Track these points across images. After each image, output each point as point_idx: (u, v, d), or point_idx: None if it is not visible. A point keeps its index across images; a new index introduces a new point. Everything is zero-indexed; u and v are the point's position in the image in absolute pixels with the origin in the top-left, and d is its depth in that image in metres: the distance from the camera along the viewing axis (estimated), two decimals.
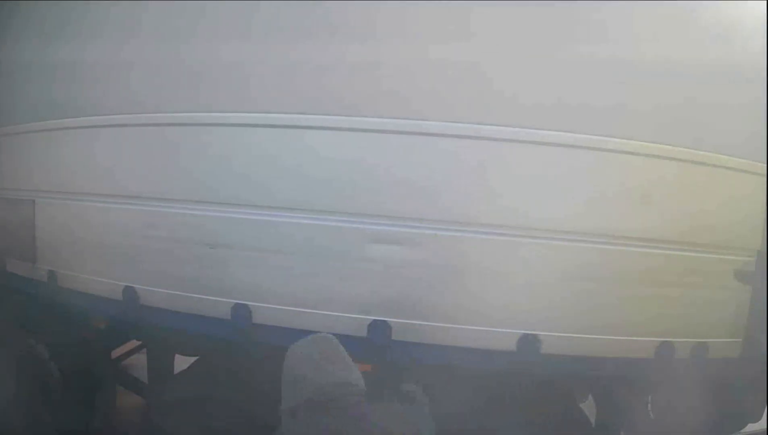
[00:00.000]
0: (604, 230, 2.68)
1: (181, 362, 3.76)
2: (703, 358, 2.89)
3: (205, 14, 2.82)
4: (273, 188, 2.78)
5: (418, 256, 2.68)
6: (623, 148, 2.64)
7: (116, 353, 4.07)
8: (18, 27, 3.48)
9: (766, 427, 3.33)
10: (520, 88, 2.61)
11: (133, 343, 4.24)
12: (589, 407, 3.47)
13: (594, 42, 2.61)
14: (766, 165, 2.79)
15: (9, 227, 3.62)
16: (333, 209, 2.73)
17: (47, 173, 3.39)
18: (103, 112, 3.07)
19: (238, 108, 2.81)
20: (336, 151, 2.72)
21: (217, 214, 2.86)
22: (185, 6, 2.87)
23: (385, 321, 2.72)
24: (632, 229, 2.70)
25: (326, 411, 1.73)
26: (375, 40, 2.66)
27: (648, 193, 2.70)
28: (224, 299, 2.87)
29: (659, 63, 2.61)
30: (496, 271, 2.69)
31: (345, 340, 2.72)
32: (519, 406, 2.87)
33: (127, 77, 3.00)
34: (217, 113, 2.83)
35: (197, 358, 3.63)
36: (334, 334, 2.70)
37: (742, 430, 3.42)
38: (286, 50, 2.70)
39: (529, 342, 2.70)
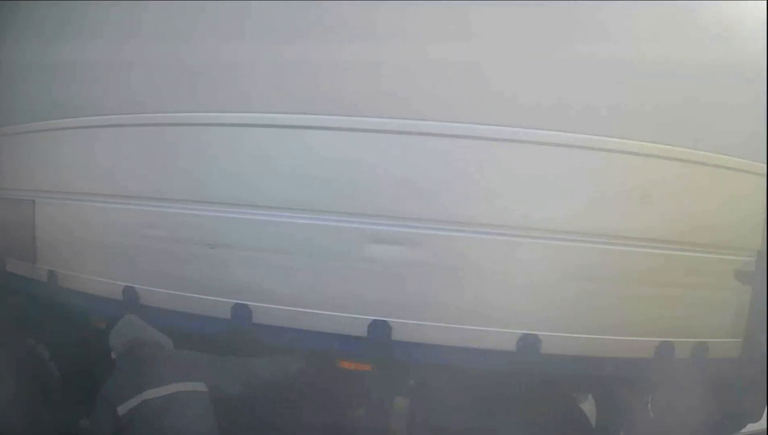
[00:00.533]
0: (604, 230, 2.68)
1: None
2: (703, 358, 2.89)
3: (205, 14, 2.82)
4: (273, 188, 2.78)
5: (418, 256, 2.68)
6: (623, 148, 2.64)
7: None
8: (18, 27, 3.48)
9: (766, 427, 3.32)
10: (520, 88, 2.61)
11: None
12: (589, 407, 3.46)
13: (594, 42, 2.61)
14: (766, 165, 2.79)
15: (9, 227, 3.62)
16: (333, 209, 2.73)
17: (47, 173, 3.39)
18: (103, 112, 3.07)
19: (237, 108, 2.81)
20: (336, 151, 2.72)
21: (217, 214, 2.87)
22: (185, 6, 2.87)
23: (385, 321, 2.72)
24: (632, 229, 2.70)
25: (138, 353, 2.70)
26: (375, 40, 2.66)
27: (648, 193, 2.70)
28: (224, 299, 2.87)
29: (659, 63, 2.60)
30: (496, 271, 2.69)
31: (345, 339, 2.77)
32: (519, 406, 2.86)
33: (126, 77, 3.00)
34: (217, 113, 2.83)
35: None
36: (334, 334, 2.74)
37: (742, 430, 3.42)
38: (285, 50, 2.70)
39: (529, 342, 2.69)
